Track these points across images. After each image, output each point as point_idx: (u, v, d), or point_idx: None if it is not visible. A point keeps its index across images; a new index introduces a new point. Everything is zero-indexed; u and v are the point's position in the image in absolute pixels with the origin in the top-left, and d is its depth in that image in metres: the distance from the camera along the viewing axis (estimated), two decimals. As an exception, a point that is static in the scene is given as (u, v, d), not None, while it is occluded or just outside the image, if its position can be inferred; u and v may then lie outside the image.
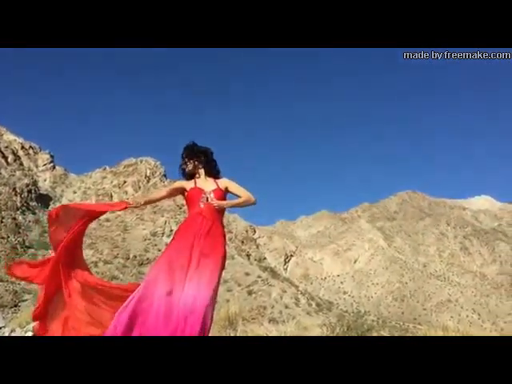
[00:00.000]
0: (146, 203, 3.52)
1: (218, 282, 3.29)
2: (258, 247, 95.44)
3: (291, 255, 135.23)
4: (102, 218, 71.40)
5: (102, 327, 3.19)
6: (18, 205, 62.04)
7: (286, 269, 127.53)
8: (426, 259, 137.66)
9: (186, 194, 3.59)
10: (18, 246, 53.88)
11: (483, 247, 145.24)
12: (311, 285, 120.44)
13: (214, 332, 6.37)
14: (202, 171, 3.65)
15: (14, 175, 68.09)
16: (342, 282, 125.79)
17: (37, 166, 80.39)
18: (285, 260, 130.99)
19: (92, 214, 3.46)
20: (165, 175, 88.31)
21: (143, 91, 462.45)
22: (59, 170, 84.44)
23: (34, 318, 3.48)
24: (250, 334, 7.48)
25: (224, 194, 3.58)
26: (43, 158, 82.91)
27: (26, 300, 39.82)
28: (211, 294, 3.18)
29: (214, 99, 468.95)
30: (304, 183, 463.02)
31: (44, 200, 70.13)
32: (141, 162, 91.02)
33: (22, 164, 74.98)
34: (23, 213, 61.92)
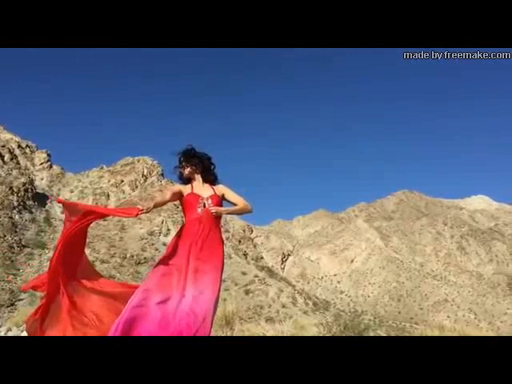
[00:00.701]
0: (155, 207, 3.50)
1: (219, 288, 3.31)
2: (255, 246, 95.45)
3: (288, 255, 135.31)
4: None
5: (103, 327, 3.17)
6: (15, 204, 61.79)
7: (283, 268, 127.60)
8: (423, 259, 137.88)
9: (182, 198, 3.58)
10: (15, 245, 53.67)
11: (480, 247, 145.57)
12: (308, 284, 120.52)
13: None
14: (198, 176, 3.65)
15: (10, 174, 67.84)
16: (338, 282, 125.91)
17: (33, 165, 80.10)
18: (282, 259, 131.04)
19: (100, 216, 3.38)
20: (162, 174, 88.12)
21: (142, 91, 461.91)
22: (56, 168, 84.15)
23: (32, 317, 3.44)
24: (246, 334, 7.48)
25: (221, 200, 3.59)
26: (40, 156, 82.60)
27: (23, 299, 39.67)
28: (212, 299, 3.20)
29: (213, 98, 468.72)
30: (301, 183, 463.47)
31: (41, 199, 69.88)
32: (138, 161, 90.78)
33: (18, 163, 74.68)
34: (20, 212, 61.68)
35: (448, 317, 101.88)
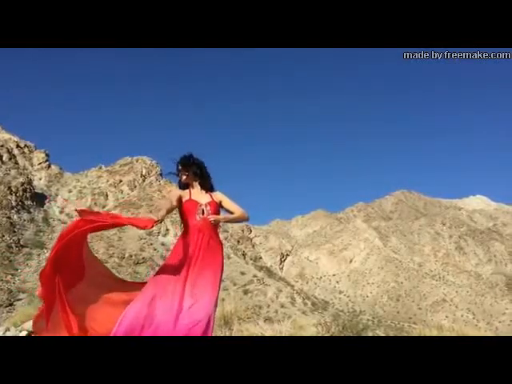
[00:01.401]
0: (167, 214, 3.46)
1: (218, 293, 3.35)
2: (253, 246, 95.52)
3: (287, 254, 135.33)
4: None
5: (108, 325, 3.16)
6: (13, 203, 61.74)
7: (282, 268, 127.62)
8: (422, 259, 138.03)
9: (181, 204, 3.59)
10: (13, 245, 53.65)
11: (478, 247, 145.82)
12: (307, 284, 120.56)
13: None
14: (196, 183, 3.66)
15: (8, 174, 67.78)
16: (337, 282, 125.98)
17: (32, 165, 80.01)
18: (280, 259, 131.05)
19: (114, 224, 3.31)
20: (161, 174, 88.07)
21: (140, 90, 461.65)
22: (54, 168, 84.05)
23: (38, 317, 3.40)
24: (245, 333, 7.48)
25: (219, 206, 3.61)
26: (38, 156, 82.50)
27: (21, 299, 39.65)
28: (212, 305, 3.24)
29: (212, 97, 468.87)
30: (300, 182, 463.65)
31: (39, 199, 69.83)
32: (136, 160, 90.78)
33: (17, 162, 74.61)
34: (18, 212, 61.64)
35: (446, 317, 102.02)
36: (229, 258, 66.78)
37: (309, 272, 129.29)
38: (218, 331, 6.98)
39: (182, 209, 3.57)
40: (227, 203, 3.64)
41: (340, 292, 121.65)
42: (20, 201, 63.55)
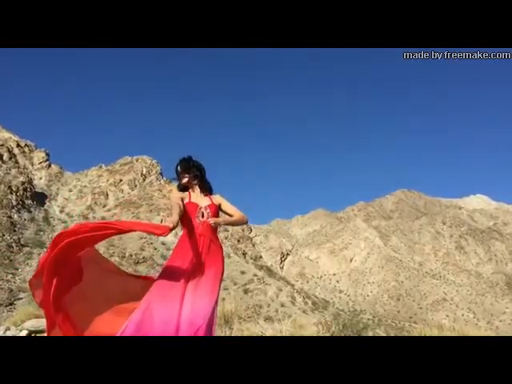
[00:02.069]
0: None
1: (218, 298, 3.36)
2: (254, 246, 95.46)
3: (287, 254, 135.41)
4: (98, 216, 71.21)
5: (115, 325, 3.15)
6: (14, 203, 61.76)
7: (282, 267, 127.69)
8: (422, 258, 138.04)
9: None
10: (14, 245, 53.66)
11: (479, 246, 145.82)
12: (307, 283, 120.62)
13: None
14: (196, 186, 3.67)
15: (9, 173, 67.77)
16: (337, 281, 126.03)
17: (32, 164, 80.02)
18: (281, 259, 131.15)
19: (128, 230, 3.21)
20: (161, 173, 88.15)
21: (139, 90, 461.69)
22: (55, 168, 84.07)
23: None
24: (245, 333, 7.48)
25: (218, 209, 3.62)
26: (39, 155, 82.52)
27: (22, 298, 39.64)
28: (213, 309, 3.25)
29: (213, 96, 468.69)
30: (300, 182, 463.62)
31: (39, 198, 69.85)
32: (137, 160, 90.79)
33: (17, 162, 74.59)
34: (19, 211, 61.65)
35: (447, 316, 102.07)
36: (229, 257, 66.76)
37: (309, 271, 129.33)
38: (218, 330, 6.98)
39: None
40: (226, 206, 3.64)
41: (340, 291, 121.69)
42: (20, 200, 63.57)
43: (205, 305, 3.19)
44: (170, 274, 3.30)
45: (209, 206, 3.56)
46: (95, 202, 76.94)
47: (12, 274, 47.08)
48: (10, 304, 39.61)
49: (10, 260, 50.21)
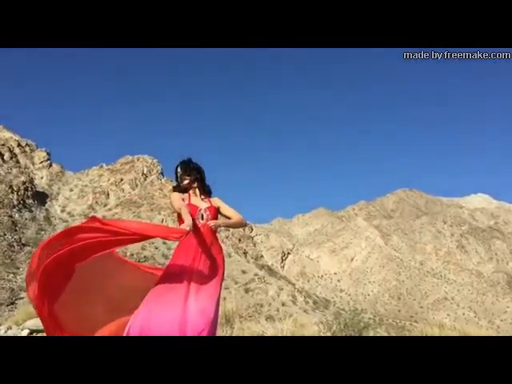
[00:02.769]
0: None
1: (220, 296, 3.37)
2: (254, 245, 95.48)
3: (288, 253, 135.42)
4: (99, 216, 71.21)
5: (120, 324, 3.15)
6: (15, 202, 61.78)
7: (283, 267, 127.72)
8: (423, 257, 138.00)
9: None
10: (15, 244, 53.68)
11: (480, 245, 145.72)
12: (308, 283, 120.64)
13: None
14: (195, 188, 3.68)
15: (10, 173, 67.79)
16: (338, 280, 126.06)
17: (33, 164, 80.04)
18: (282, 258, 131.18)
19: (140, 238, 3.14)
20: (162, 173, 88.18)
21: (140, 89, 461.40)
22: (56, 167, 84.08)
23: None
24: (246, 332, 7.48)
25: (217, 211, 3.63)
26: (40, 155, 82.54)
27: (23, 298, 39.66)
28: (216, 311, 3.25)
29: (213, 96, 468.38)
30: (301, 181, 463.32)
31: (40, 198, 69.89)
32: (138, 159, 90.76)
33: (18, 161, 74.60)
34: (20, 210, 61.67)
35: (448, 315, 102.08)
36: (230, 256, 66.74)
37: (310, 270, 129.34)
38: (219, 330, 6.99)
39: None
40: (225, 209, 3.66)
41: (341, 290, 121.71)
42: (21, 200, 63.59)
43: (208, 307, 3.19)
44: (171, 275, 3.29)
45: (208, 208, 3.57)
46: (96, 202, 76.93)
47: (13, 273, 47.09)
48: (12, 303, 39.63)
49: (12, 259, 50.22)
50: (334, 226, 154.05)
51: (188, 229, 3.08)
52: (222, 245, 3.66)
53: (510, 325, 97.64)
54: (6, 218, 56.71)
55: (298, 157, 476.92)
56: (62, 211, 71.46)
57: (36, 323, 7.19)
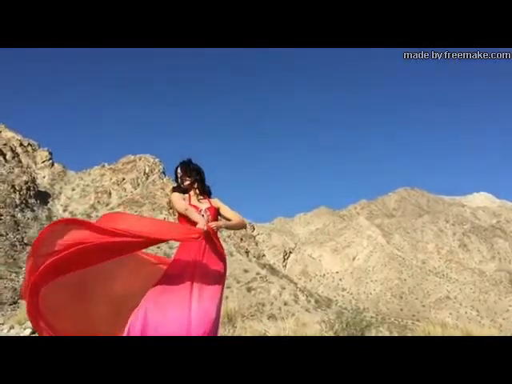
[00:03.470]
0: None
1: (222, 296, 3.38)
2: (256, 244, 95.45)
3: (290, 252, 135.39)
4: (100, 214, 71.06)
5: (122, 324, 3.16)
6: (17, 202, 61.86)
7: (285, 266, 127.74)
8: (425, 256, 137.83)
9: None
10: (17, 244, 53.74)
11: (482, 244, 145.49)
12: (310, 282, 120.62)
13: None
14: (195, 188, 3.69)
15: (12, 172, 67.88)
16: (340, 279, 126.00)
17: (35, 163, 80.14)
18: (284, 257, 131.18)
19: (152, 241, 3.14)
20: (164, 172, 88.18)
21: (141, 89, 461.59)
22: (58, 167, 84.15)
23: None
24: (248, 331, 7.49)
25: (217, 212, 3.63)
26: (42, 155, 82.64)
27: (25, 297, 39.66)
28: (218, 312, 3.26)
29: (214, 96, 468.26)
30: (303, 180, 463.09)
31: (43, 197, 69.99)
32: (140, 159, 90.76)
33: (20, 161, 74.67)
34: (22, 210, 61.76)
35: (450, 314, 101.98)
36: (232, 255, 66.70)
37: (312, 269, 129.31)
38: (221, 329, 6.99)
39: (180, 213, 3.58)
40: (225, 210, 3.66)
41: (343, 289, 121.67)
42: (24, 199, 63.67)
43: (210, 307, 3.19)
44: (174, 275, 3.28)
45: (208, 208, 3.58)
46: (98, 201, 77.01)
47: (16, 272, 47.15)
48: (14, 303, 39.68)
49: (14, 259, 50.29)
50: (336, 224, 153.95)
51: (205, 228, 3.09)
52: (224, 244, 3.67)
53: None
54: (8, 217, 56.79)
55: (299, 156, 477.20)
56: (64, 211, 71.52)
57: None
